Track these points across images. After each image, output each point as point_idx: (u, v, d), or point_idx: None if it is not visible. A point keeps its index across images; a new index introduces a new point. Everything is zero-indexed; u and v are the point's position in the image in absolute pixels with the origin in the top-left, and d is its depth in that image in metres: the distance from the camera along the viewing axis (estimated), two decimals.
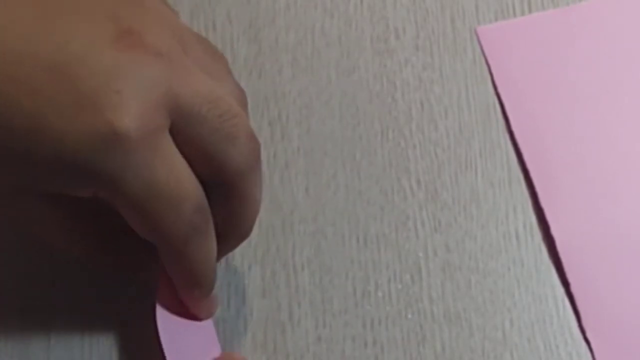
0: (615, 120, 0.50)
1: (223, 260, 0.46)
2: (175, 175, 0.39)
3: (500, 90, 0.51)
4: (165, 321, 0.42)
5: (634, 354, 0.45)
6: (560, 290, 0.46)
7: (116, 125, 0.37)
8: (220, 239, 0.42)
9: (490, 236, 0.48)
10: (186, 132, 0.39)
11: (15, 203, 0.40)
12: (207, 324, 0.43)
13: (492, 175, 0.49)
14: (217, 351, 0.43)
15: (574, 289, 0.46)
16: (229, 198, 0.41)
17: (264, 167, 0.48)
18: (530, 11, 0.53)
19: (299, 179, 0.48)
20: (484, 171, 0.49)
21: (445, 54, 0.52)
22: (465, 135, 0.50)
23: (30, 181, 0.39)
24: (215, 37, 0.51)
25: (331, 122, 0.50)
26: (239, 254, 0.46)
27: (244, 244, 0.46)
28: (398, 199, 0.48)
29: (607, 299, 0.46)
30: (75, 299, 0.45)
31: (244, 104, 0.42)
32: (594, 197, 0.48)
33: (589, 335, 0.45)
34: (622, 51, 0.51)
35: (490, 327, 0.46)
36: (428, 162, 0.49)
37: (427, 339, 0.45)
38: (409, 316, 0.46)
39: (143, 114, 0.37)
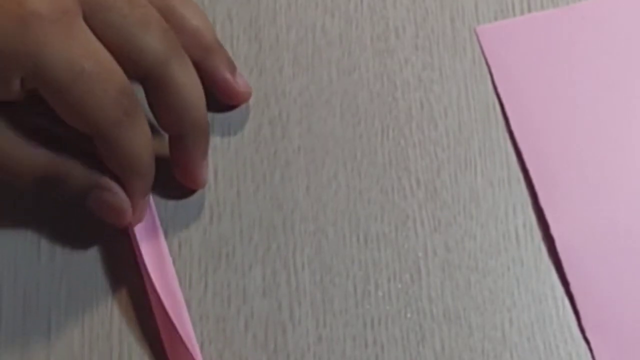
0: (615, 119, 0.50)
1: (224, 259, 0.46)
2: (95, 56, 0.41)
3: (500, 89, 0.51)
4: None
5: (633, 354, 0.45)
6: (559, 289, 0.47)
7: (28, 6, 0.40)
8: (176, 140, 0.45)
9: (490, 235, 0.48)
10: (98, 18, 0.42)
11: None
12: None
13: (492, 175, 0.49)
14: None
15: (573, 288, 0.46)
16: (158, 91, 0.43)
17: (264, 167, 0.48)
18: (530, 11, 0.53)
19: (300, 178, 0.48)
20: (483, 170, 0.49)
21: (445, 54, 0.52)
22: (464, 134, 0.50)
23: None
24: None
25: (331, 121, 0.50)
26: (240, 253, 0.46)
27: (245, 243, 0.47)
28: (398, 198, 0.48)
29: (606, 298, 0.46)
30: (75, 297, 0.45)
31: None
32: (594, 197, 0.48)
33: (588, 334, 0.45)
34: (622, 51, 0.52)
35: (489, 326, 0.46)
36: (428, 162, 0.49)
37: (427, 339, 0.45)
38: (409, 315, 0.46)
39: None
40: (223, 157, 0.48)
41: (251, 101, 0.50)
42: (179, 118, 0.44)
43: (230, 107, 0.49)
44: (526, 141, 0.49)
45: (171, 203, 0.47)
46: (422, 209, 0.48)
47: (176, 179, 0.47)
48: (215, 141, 0.49)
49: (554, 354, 0.45)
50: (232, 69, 0.48)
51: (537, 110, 0.50)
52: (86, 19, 0.42)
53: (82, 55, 0.40)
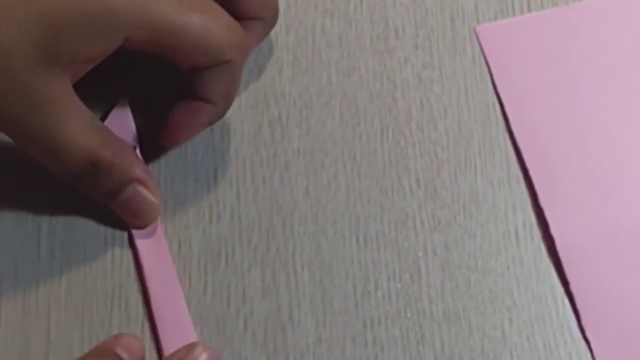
0: (615, 119, 0.50)
1: (223, 260, 0.46)
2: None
3: (499, 89, 0.51)
4: None
5: (633, 354, 0.45)
6: (559, 289, 0.47)
7: None
8: (255, 24, 0.48)
9: (490, 235, 0.48)
10: None
11: (42, 78, 0.42)
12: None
13: (492, 174, 0.49)
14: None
15: (573, 288, 0.46)
16: None
17: (264, 168, 0.48)
18: (529, 10, 0.53)
19: (299, 179, 0.48)
20: (483, 170, 0.49)
21: (444, 53, 0.52)
22: (464, 134, 0.50)
23: (80, 45, 0.42)
24: None
25: (331, 121, 0.50)
26: (239, 254, 0.47)
27: (244, 244, 0.47)
28: (398, 198, 0.48)
29: (606, 298, 0.46)
30: (75, 297, 0.45)
31: None
32: (594, 196, 0.48)
33: (588, 334, 0.45)
34: (621, 50, 0.51)
35: (489, 326, 0.46)
36: (427, 161, 0.49)
37: (427, 338, 0.45)
38: (409, 315, 0.46)
39: None
40: (223, 157, 0.48)
41: (251, 102, 0.50)
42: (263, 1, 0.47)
43: None
44: (526, 141, 0.49)
45: (171, 203, 0.47)
46: (421, 209, 0.48)
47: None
48: (215, 141, 0.49)
49: (553, 354, 0.45)
50: None
51: (537, 110, 0.50)
52: None
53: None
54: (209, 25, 0.43)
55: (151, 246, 0.46)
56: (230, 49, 0.44)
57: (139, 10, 0.42)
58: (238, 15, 0.46)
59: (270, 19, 0.48)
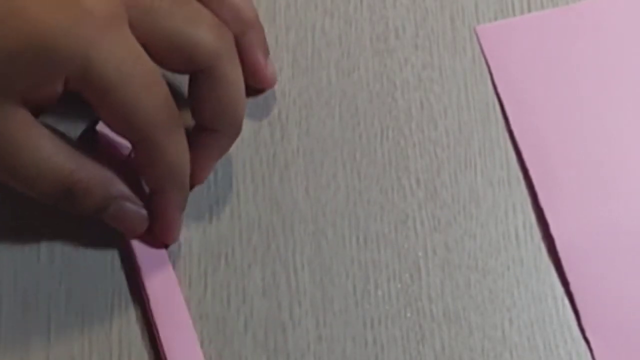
0: (615, 119, 0.50)
1: (223, 259, 0.46)
2: (142, 60, 0.41)
3: (499, 89, 0.51)
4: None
5: (633, 353, 0.45)
6: (559, 289, 0.47)
7: (83, 4, 0.39)
8: (213, 135, 0.45)
9: (490, 235, 0.48)
10: (145, 21, 0.42)
11: None
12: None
13: (492, 175, 0.49)
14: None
15: (573, 288, 0.46)
16: (208, 83, 0.43)
17: (264, 168, 0.48)
18: (529, 10, 0.53)
19: (299, 179, 0.48)
20: (483, 170, 0.49)
21: (444, 53, 0.52)
22: (464, 134, 0.50)
23: (9, 78, 0.40)
24: None
25: (331, 122, 0.50)
26: (239, 254, 0.47)
27: (244, 244, 0.47)
28: (398, 198, 0.48)
29: (606, 298, 0.46)
30: (75, 297, 0.45)
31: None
32: (594, 197, 0.48)
33: (588, 334, 0.45)
34: (621, 50, 0.52)
35: (489, 326, 0.46)
36: (427, 161, 0.49)
37: (427, 338, 0.45)
38: (409, 315, 0.46)
39: None
40: (223, 157, 0.48)
41: (250, 102, 0.50)
42: (222, 112, 0.44)
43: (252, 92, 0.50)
44: (526, 141, 0.49)
45: None
46: (421, 209, 0.48)
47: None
48: None
49: (553, 354, 0.45)
50: (266, 51, 0.49)
51: (537, 110, 0.50)
52: (132, 27, 0.41)
53: (132, 59, 0.40)
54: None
55: (148, 247, 0.46)
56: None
57: (79, 55, 0.40)
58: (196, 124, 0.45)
59: (229, 131, 0.46)
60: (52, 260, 0.46)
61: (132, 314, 0.45)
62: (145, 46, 0.42)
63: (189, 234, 0.47)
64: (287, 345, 0.45)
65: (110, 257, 0.46)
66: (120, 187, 0.44)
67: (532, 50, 0.51)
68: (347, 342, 0.45)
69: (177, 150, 0.43)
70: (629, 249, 0.47)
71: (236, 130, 0.46)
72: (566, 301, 0.46)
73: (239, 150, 0.49)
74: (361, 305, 0.46)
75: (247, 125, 0.49)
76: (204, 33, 0.43)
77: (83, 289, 0.46)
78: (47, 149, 0.42)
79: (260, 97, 0.50)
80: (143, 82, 0.41)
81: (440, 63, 0.51)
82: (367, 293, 0.46)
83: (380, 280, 0.46)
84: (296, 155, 0.49)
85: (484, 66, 0.51)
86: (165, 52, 0.43)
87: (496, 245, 0.47)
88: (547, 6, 0.53)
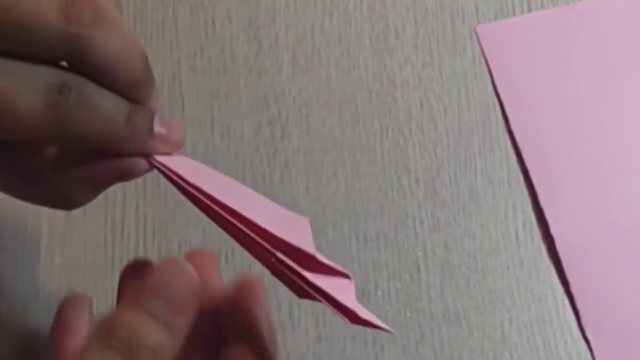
0: (615, 119, 0.50)
1: (223, 259, 0.46)
2: None
3: (499, 89, 0.51)
4: None
5: (633, 353, 0.45)
6: (559, 289, 0.47)
7: None
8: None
9: (490, 235, 0.48)
10: None
11: None
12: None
13: (492, 175, 0.49)
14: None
15: (573, 288, 0.46)
16: (89, 71, 0.34)
17: (264, 166, 0.48)
18: (529, 10, 0.53)
19: (299, 178, 0.48)
20: (483, 170, 0.49)
21: (444, 53, 0.52)
22: (464, 134, 0.50)
23: None
24: (215, 35, 0.51)
25: (331, 121, 0.50)
26: (239, 253, 0.46)
27: None
28: (397, 198, 0.48)
29: (606, 298, 0.46)
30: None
31: None
32: (593, 197, 0.48)
33: (588, 334, 0.45)
34: (621, 50, 0.52)
35: (489, 326, 0.46)
36: (427, 161, 0.49)
37: (426, 338, 0.45)
38: (408, 315, 0.46)
39: None
40: (223, 157, 0.48)
41: (250, 101, 0.50)
42: (119, 89, 0.35)
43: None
44: (526, 141, 0.49)
45: (171, 203, 0.47)
46: (421, 209, 0.48)
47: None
48: (215, 141, 0.49)
49: (553, 353, 0.45)
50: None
51: (536, 109, 0.50)
52: None
53: None
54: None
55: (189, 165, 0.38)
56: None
57: None
58: None
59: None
60: (52, 259, 0.46)
61: None
62: None
63: (189, 234, 0.47)
64: (286, 344, 0.45)
65: (111, 257, 0.46)
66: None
67: (532, 50, 0.51)
68: (347, 342, 0.45)
69: (112, 42, 0.34)
70: (629, 249, 0.47)
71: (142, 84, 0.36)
72: (566, 301, 0.46)
73: (239, 149, 0.49)
74: (361, 304, 0.46)
75: (247, 125, 0.49)
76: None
77: (83, 289, 0.46)
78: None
79: (260, 96, 0.50)
80: None
81: (440, 63, 0.51)
82: (367, 292, 0.46)
83: (380, 280, 0.46)
84: (296, 155, 0.49)
85: (484, 66, 0.51)
86: None
87: (496, 245, 0.47)
88: (547, 6, 0.53)
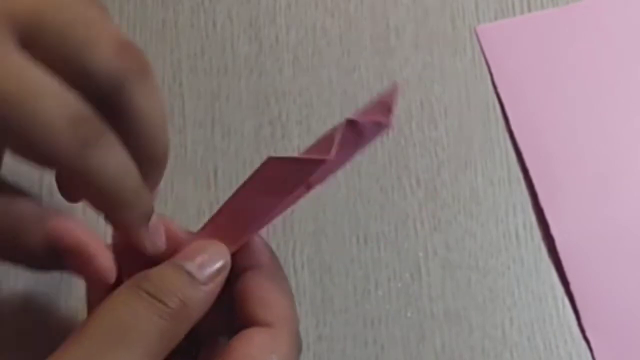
0: (615, 119, 0.50)
1: None
2: (29, 87, 0.35)
3: (499, 89, 0.51)
4: None
5: (633, 353, 0.45)
6: (559, 289, 0.47)
7: None
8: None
9: (490, 235, 0.48)
10: (38, 43, 0.36)
11: None
12: None
13: (492, 174, 0.49)
14: None
15: (573, 288, 0.46)
16: (119, 114, 0.36)
17: None
18: (529, 10, 0.53)
19: None
20: (483, 170, 0.49)
21: (445, 53, 0.52)
22: (465, 134, 0.50)
23: None
24: (216, 35, 0.51)
25: (331, 121, 0.50)
26: None
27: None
28: (398, 198, 0.48)
29: (606, 298, 0.46)
30: (75, 297, 0.45)
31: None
32: (594, 196, 0.48)
33: (588, 334, 0.45)
34: (621, 50, 0.52)
35: (490, 325, 0.46)
36: (428, 161, 0.49)
37: (427, 338, 0.45)
38: (409, 315, 0.46)
39: None
40: (223, 157, 0.48)
41: (251, 101, 0.50)
42: (136, 146, 0.37)
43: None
44: (526, 141, 0.49)
45: (171, 203, 0.47)
46: (422, 209, 0.48)
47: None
48: (215, 141, 0.49)
49: (553, 353, 0.45)
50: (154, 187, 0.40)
51: (536, 109, 0.50)
52: (28, 44, 0.35)
53: (14, 89, 0.34)
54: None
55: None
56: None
57: None
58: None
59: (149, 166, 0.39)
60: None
61: None
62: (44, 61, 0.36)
63: None
64: None
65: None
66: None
67: (532, 50, 0.51)
68: (347, 342, 0.45)
69: (108, 171, 0.36)
70: (629, 249, 0.47)
71: (160, 168, 0.39)
72: (566, 301, 0.46)
73: (239, 149, 0.49)
74: (361, 304, 0.46)
75: (248, 125, 0.49)
76: (99, 55, 0.36)
77: (83, 289, 0.45)
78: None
79: (261, 96, 0.50)
80: (32, 112, 0.34)
81: (441, 63, 0.51)
82: (367, 292, 0.46)
83: (381, 280, 0.46)
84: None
85: (484, 66, 0.51)
86: (61, 72, 0.36)
87: (496, 245, 0.47)
88: (547, 6, 0.53)
